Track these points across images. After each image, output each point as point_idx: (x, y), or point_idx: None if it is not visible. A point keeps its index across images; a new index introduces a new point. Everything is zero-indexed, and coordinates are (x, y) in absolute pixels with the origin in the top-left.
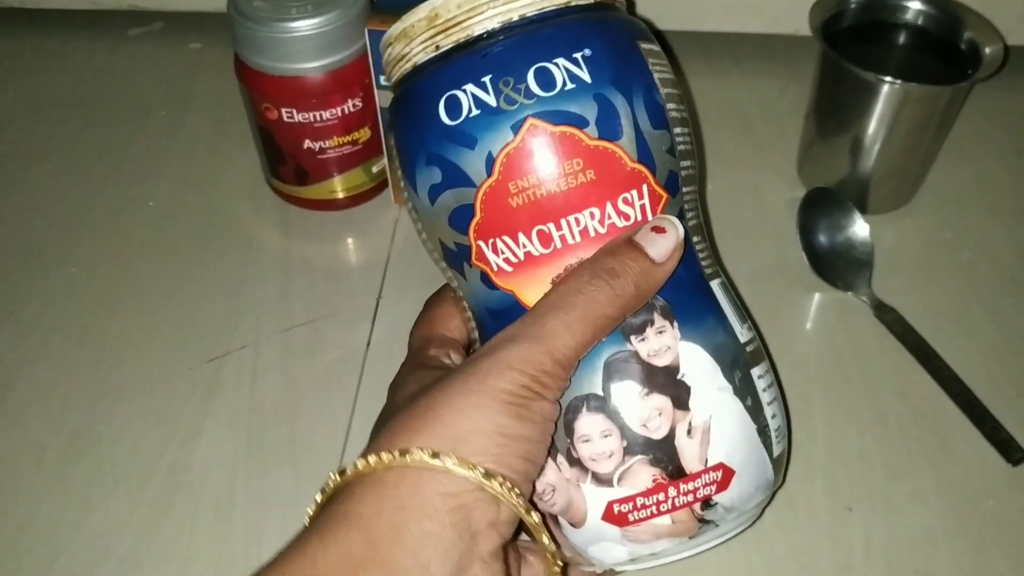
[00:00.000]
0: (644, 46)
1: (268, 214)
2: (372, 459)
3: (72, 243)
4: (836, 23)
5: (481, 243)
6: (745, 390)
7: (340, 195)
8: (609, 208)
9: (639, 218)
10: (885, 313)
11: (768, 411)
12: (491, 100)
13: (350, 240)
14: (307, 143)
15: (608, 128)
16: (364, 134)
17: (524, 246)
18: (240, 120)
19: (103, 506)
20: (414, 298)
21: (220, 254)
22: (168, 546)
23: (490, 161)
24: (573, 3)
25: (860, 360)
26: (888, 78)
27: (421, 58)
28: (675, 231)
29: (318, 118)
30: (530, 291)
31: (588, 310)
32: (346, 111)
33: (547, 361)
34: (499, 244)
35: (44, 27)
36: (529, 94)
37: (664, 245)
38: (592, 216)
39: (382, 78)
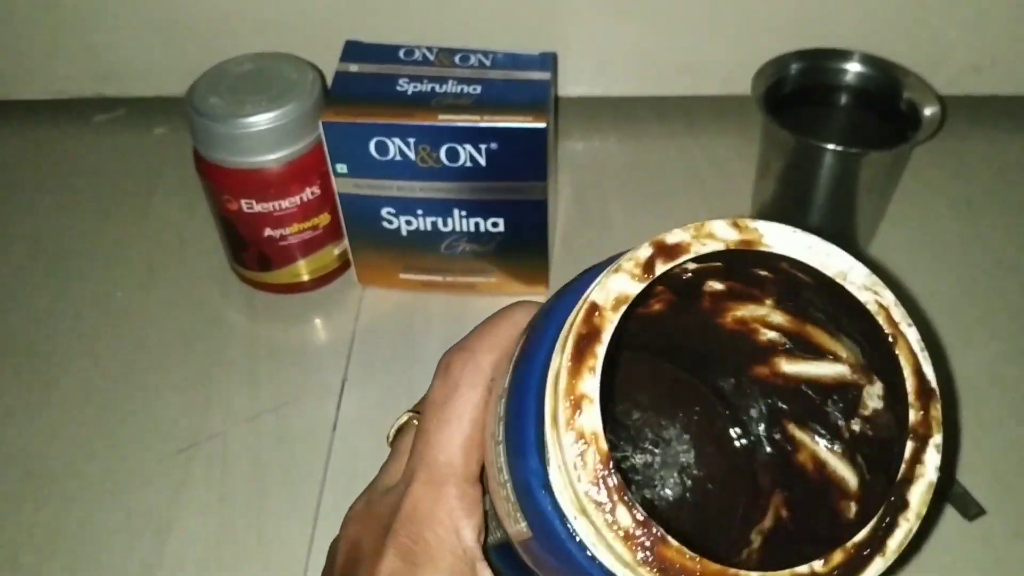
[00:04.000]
0: None
1: (234, 298)
2: None
3: (40, 336)
4: (779, 88)
5: None
6: None
7: (305, 278)
8: None
9: None
10: None
11: None
12: None
13: (316, 321)
14: (268, 231)
15: None
16: (324, 219)
17: None
18: (205, 204)
19: None
20: (379, 378)
21: (188, 342)
22: None
23: None
24: None
25: None
26: (830, 145)
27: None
28: None
29: (277, 207)
30: None
31: None
32: (305, 199)
33: None
34: None
35: (8, 116)
36: None
37: None
38: None
39: (338, 165)
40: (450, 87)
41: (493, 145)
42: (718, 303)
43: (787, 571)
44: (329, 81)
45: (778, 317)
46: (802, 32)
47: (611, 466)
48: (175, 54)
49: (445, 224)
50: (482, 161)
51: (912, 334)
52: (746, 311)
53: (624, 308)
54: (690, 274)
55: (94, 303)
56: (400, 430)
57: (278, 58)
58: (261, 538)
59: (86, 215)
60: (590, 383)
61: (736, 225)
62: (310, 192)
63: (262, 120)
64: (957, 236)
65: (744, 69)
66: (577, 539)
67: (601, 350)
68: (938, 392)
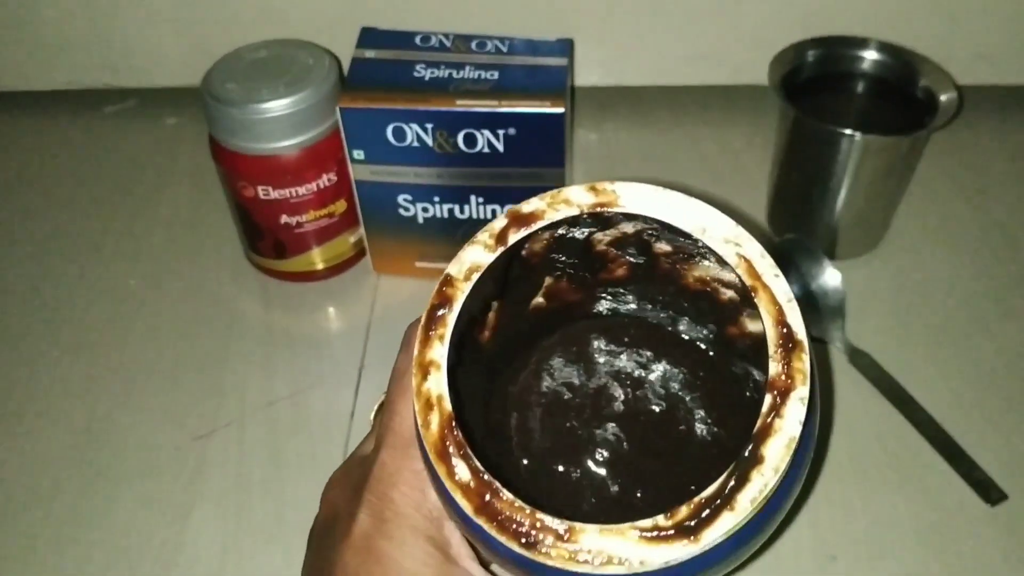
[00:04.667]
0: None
1: (249, 287)
2: None
3: (55, 326)
4: (795, 76)
5: None
6: None
7: (319, 266)
8: None
9: None
10: (859, 358)
11: None
12: None
13: (331, 309)
14: (284, 218)
15: None
16: (340, 206)
17: None
18: (218, 194)
19: None
20: None
21: (203, 329)
22: None
23: None
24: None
25: (837, 407)
26: (847, 131)
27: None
28: None
29: (294, 194)
30: None
31: None
32: (321, 186)
33: None
34: None
35: (19, 107)
36: None
37: None
38: None
39: (355, 152)
40: (467, 73)
41: (511, 131)
42: (674, 265)
43: (628, 524)
44: (346, 68)
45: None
46: (814, 21)
47: (453, 427)
48: (186, 44)
49: (462, 211)
50: (500, 147)
51: (778, 285)
52: (701, 271)
53: (476, 277)
54: (632, 236)
55: (108, 293)
56: (381, 407)
57: (294, 44)
58: (280, 525)
59: (99, 205)
60: (438, 350)
61: (593, 189)
62: (327, 179)
63: (279, 106)
64: (972, 224)
65: (757, 58)
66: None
67: (451, 317)
68: (806, 343)
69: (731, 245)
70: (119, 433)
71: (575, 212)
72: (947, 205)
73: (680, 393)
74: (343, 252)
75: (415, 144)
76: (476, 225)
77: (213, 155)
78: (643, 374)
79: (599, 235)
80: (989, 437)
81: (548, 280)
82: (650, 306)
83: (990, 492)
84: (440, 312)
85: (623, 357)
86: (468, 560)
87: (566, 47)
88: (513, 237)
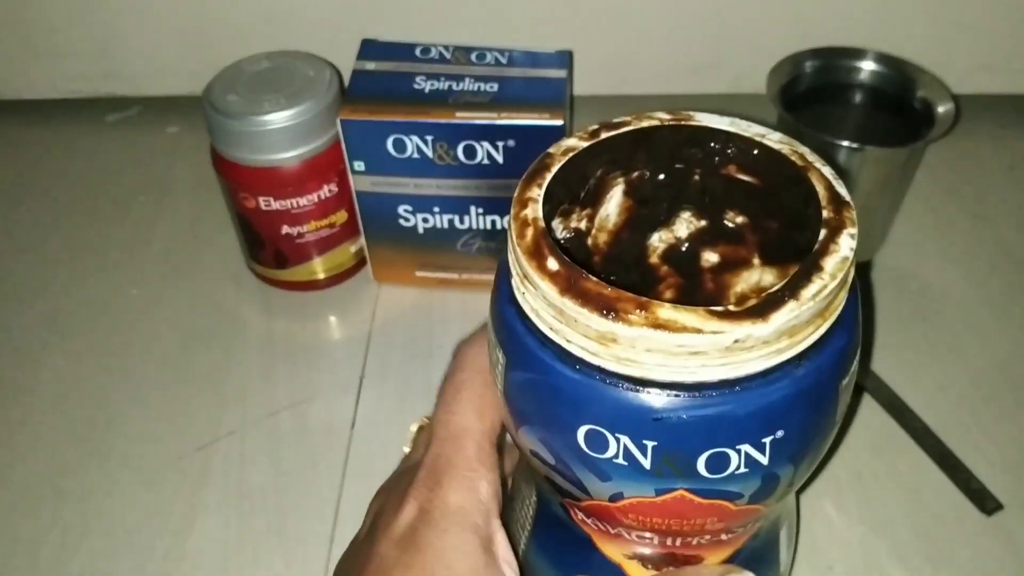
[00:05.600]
0: (843, 383)
1: (250, 296)
2: None
3: (57, 336)
4: (794, 87)
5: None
6: None
7: (320, 276)
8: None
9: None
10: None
11: None
12: (645, 462)
13: (332, 319)
14: (285, 229)
15: (760, 495)
16: (341, 217)
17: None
18: (219, 203)
19: None
20: (396, 376)
21: (205, 339)
22: None
23: (617, 497)
24: (785, 360)
25: None
26: (845, 141)
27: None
28: None
29: (295, 205)
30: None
31: None
32: (322, 196)
33: None
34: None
35: (21, 116)
36: (691, 472)
37: None
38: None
39: (356, 163)
40: (467, 85)
41: (510, 143)
42: (716, 281)
43: (702, 307)
44: (346, 79)
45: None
46: (813, 31)
47: (546, 236)
48: (188, 53)
49: (461, 222)
50: (499, 159)
51: (826, 169)
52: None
53: (570, 155)
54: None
55: (110, 301)
56: (421, 429)
57: (295, 56)
58: (281, 535)
59: (101, 215)
60: (535, 192)
61: (671, 112)
62: (327, 190)
63: (280, 118)
64: (969, 234)
65: (755, 68)
66: (528, 317)
67: (548, 175)
68: (851, 202)
69: (786, 145)
70: (122, 443)
71: (657, 123)
72: (944, 215)
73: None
74: (344, 262)
75: (415, 156)
76: (476, 235)
77: (214, 166)
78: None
79: (655, 240)
80: (985, 446)
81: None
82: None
83: (986, 502)
84: (539, 172)
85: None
86: (505, 564)
87: (565, 59)
88: (604, 134)
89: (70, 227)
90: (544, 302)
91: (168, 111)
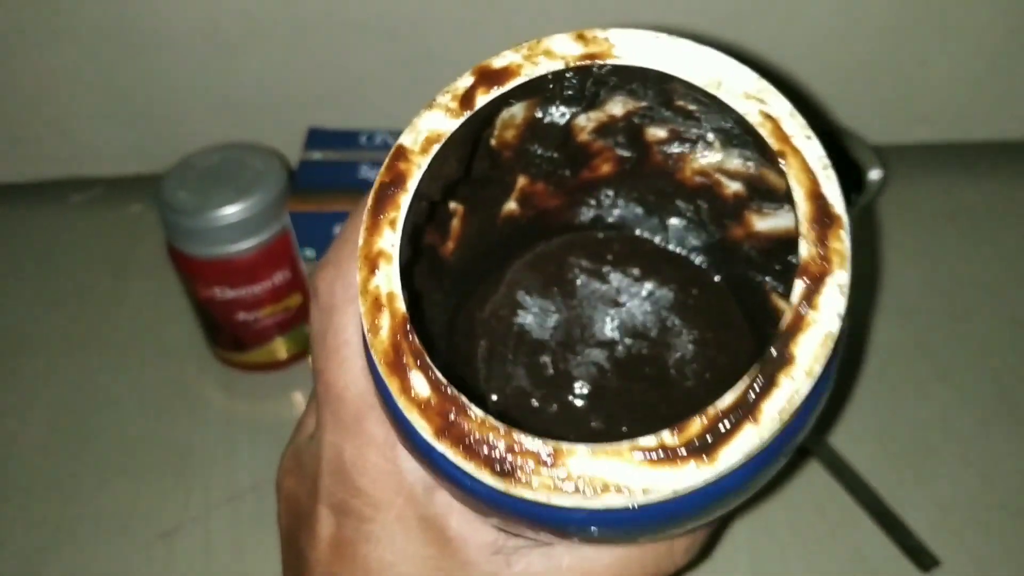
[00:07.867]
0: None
1: (213, 377)
2: None
3: (18, 421)
4: None
5: None
6: None
7: (282, 356)
8: None
9: None
10: None
11: None
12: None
13: (296, 395)
14: (241, 315)
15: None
16: (296, 300)
17: None
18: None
19: None
20: None
21: (168, 423)
22: None
23: None
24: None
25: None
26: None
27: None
28: None
29: (249, 293)
30: None
31: None
32: (275, 283)
33: None
34: None
35: None
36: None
37: None
38: None
39: (306, 251)
40: None
41: None
42: (668, 156)
43: (627, 443)
44: (295, 164)
45: (734, 161)
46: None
47: (408, 331)
48: (146, 135)
49: None
50: None
51: (811, 149)
52: (701, 161)
53: (435, 149)
54: (621, 122)
55: (75, 386)
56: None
57: (243, 148)
58: None
59: (65, 297)
60: (388, 238)
61: (581, 37)
62: (280, 276)
63: (230, 212)
64: (910, 285)
65: None
66: (401, 411)
67: (405, 199)
68: (845, 219)
69: (753, 102)
70: (88, 531)
71: (558, 66)
72: (886, 265)
73: (671, 315)
74: (303, 341)
75: None
76: None
77: (170, 257)
78: (629, 296)
79: (582, 120)
80: (923, 502)
81: (522, 180)
82: (640, 210)
83: (923, 558)
84: (391, 191)
85: (607, 277)
86: (472, 538)
87: None
88: (482, 99)
89: (35, 314)
90: (411, 443)
91: (132, 190)
